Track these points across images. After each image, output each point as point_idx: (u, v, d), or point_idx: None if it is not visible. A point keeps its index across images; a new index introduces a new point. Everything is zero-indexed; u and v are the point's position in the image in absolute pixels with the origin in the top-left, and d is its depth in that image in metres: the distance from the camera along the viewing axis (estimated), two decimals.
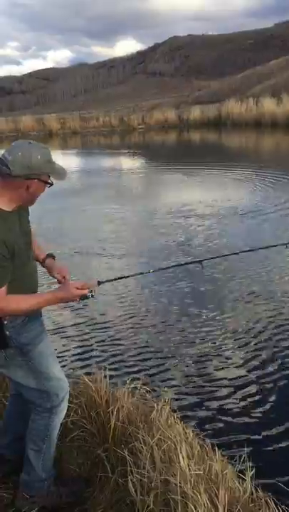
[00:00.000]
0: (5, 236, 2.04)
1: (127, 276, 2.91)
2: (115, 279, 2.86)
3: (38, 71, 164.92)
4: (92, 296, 2.31)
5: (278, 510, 1.93)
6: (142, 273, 3.29)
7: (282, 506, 1.97)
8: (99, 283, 2.48)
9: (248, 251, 4.32)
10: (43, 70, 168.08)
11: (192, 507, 1.85)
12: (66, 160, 23.08)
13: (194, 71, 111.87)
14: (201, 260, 3.02)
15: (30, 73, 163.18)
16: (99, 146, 32.67)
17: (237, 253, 4.28)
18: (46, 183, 2.17)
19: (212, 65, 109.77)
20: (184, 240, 8.21)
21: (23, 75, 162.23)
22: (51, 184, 2.21)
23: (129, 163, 21.67)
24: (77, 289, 2.25)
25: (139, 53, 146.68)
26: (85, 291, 2.27)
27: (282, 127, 31.76)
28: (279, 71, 55.17)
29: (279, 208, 10.31)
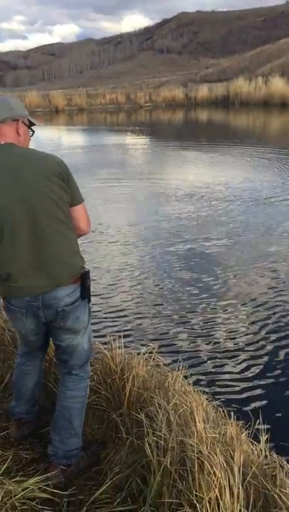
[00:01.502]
0: None
1: None
2: None
3: (44, 46, 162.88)
4: None
5: None
6: None
7: None
8: None
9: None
10: (49, 45, 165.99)
11: (208, 466, 1.92)
12: (73, 137, 22.94)
13: (203, 48, 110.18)
14: None
15: (36, 48, 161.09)
16: (105, 123, 32.40)
17: None
18: (29, 127, 2.30)
19: (221, 43, 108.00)
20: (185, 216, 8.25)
21: (29, 49, 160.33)
22: (33, 131, 2.35)
23: (135, 140, 21.53)
24: None
25: (147, 29, 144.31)
26: None
27: None
28: None
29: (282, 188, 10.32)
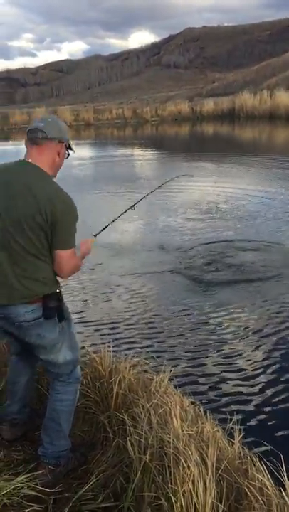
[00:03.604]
0: None
1: (117, 218, 3.24)
2: (107, 227, 3.11)
3: (53, 63, 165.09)
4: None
5: (262, 465, 2.10)
6: (127, 210, 3.43)
7: (267, 463, 2.14)
8: (95, 235, 2.93)
9: None
10: (57, 61, 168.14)
11: (183, 461, 2.02)
12: (80, 151, 23.27)
13: (209, 63, 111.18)
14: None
15: (44, 65, 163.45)
16: (112, 137, 32.80)
17: None
18: (69, 149, 2.42)
19: (227, 57, 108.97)
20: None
21: (38, 66, 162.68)
22: (70, 154, 2.46)
23: (140, 153, 21.78)
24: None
25: (154, 45, 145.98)
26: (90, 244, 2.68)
27: None
28: None
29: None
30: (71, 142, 2.46)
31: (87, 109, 45.89)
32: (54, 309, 2.32)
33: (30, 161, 2.26)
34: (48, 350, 2.41)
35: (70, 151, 2.45)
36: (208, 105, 41.50)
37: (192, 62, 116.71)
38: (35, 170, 2.24)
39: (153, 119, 42.51)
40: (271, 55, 76.21)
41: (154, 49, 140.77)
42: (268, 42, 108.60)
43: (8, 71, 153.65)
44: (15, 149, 26.13)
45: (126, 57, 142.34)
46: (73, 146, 2.47)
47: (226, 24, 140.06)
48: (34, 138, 2.26)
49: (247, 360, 4.22)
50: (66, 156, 2.44)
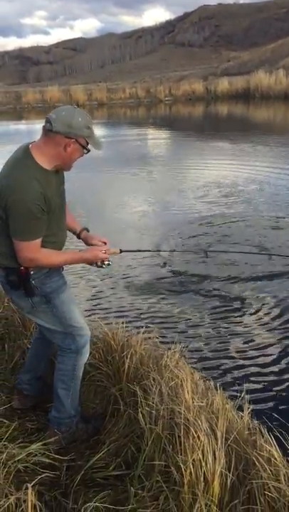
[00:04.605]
0: (44, 190, 2.26)
1: (148, 251, 3.19)
2: (137, 251, 3.10)
3: (66, 41, 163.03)
4: (108, 265, 2.62)
5: (270, 436, 2.15)
6: (163, 250, 3.47)
7: (276, 434, 2.19)
8: (121, 251, 2.80)
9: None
10: (70, 40, 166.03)
11: (193, 431, 2.07)
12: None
13: (224, 41, 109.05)
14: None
15: (57, 43, 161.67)
16: (125, 117, 32.55)
17: None
18: (84, 147, 2.34)
19: (243, 36, 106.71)
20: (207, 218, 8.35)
21: (51, 45, 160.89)
22: (88, 150, 2.38)
23: (153, 134, 21.62)
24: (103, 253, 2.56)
25: (168, 23, 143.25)
26: (107, 256, 2.58)
27: None
28: None
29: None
30: (95, 140, 2.35)
31: (100, 89, 45.39)
32: (15, 283, 2.41)
33: (30, 146, 2.31)
34: (28, 312, 2.58)
35: (88, 149, 2.37)
36: (223, 85, 40.80)
37: (207, 41, 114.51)
38: (24, 157, 2.28)
39: (167, 98, 41.98)
40: (288, 34, 74.43)
41: (168, 27, 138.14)
42: (285, 20, 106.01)
43: (21, 49, 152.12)
44: (27, 128, 26.10)
45: (140, 35, 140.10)
46: (94, 146, 2.36)
47: (241, 1, 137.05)
48: (43, 127, 2.28)
49: (257, 336, 4.31)
50: (83, 152, 2.37)
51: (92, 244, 2.70)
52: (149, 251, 3.95)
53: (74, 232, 2.76)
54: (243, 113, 30.75)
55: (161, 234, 7.12)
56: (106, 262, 2.60)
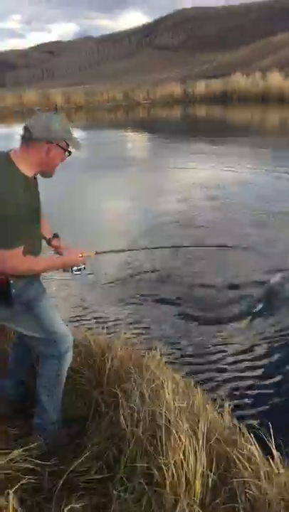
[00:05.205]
0: (28, 200, 2.25)
1: (123, 250, 3.17)
2: (112, 251, 3.07)
3: (43, 44, 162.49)
4: (84, 268, 2.60)
5: (250, 435, 2.17)
6: (136, 249, 3.45)
7: (256, 433, 2.21)
8: (96, 253, 2.77)
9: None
10: (47, 43, 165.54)
11: (174, 432, 2.08)
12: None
13: (201, 44, 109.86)
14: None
15: (34, 47, 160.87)
16: (103, 120, 32.54)
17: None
18: (65, 150, 2.36)
19: (219, 39, 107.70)
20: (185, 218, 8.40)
21: (28, 48, 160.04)
22: (70, 152, 2.40)
23: (132, 136, 21.66)
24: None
25: (145, 26, 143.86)
26: (84, 259, 2.57)
27: None
28: (287, 44, 54.24)
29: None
30: (74, 141, 2.38)
31: (78, 92, 45.33)
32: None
33: (11, 153, 2.29)
34: (9, 321, 2.54)
35: (69, 151, 2.39)
36: (200, 87, 41.14)
37: (184, 44, 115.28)
38: (6, 165, 2.26)
39: (145, 101, 42.12)
40: (263, 37, 75.37)
41: (145, 30, 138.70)
42: (260, 23, 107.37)
43: None
44: (5, 132, 25.88)
45: (117, 38, 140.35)
46: (75, 147, 2.38)
47: (218, 5, 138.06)
48: (22, 136, 2.28)
49: (237, 336, 4.35)
50: (65, 155, 2.38)
51: (61, 253, 2.70)
52: (124, 251, 3.98)
53: (43, 238, 2.73)
54: (220, 115, 31.03)
55: (137, 234, 7.17)
56: (82, 266, 2.59)
